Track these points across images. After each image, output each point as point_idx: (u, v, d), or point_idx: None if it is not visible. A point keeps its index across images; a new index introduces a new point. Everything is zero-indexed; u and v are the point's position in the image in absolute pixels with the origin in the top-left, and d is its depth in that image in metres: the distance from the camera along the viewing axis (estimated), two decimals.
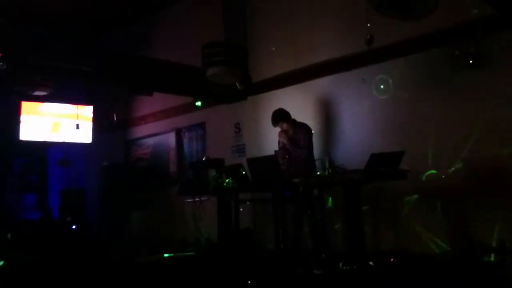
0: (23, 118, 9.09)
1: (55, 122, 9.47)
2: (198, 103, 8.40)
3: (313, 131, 6.43)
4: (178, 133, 9.19)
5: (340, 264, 5.13)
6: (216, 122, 8.55)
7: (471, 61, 5.57)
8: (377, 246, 6.17)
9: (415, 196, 6.04)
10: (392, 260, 5.39)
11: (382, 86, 6.42)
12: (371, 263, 5.10)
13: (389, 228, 6.26)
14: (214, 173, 6.70)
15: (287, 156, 6.18)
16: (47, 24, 8.99)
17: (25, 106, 9.16)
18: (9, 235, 7.69)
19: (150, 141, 9.76)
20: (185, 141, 9.11)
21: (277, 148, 6.49)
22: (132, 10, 9.60)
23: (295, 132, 6.31)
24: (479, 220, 5.53)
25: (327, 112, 7.03)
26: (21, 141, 9.15)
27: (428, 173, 5.94)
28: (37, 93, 9.00)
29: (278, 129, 6.40)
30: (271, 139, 6.96)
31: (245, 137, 8.12)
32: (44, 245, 7.62)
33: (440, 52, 5.87)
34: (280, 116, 6.36)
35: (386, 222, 6.28)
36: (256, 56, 7.78)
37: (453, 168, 5.77)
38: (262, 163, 5.97)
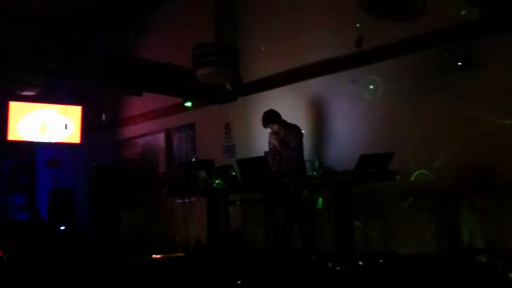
0: (11, 118, 9.02)
1: (44, 122, 9.41)
2: (188, 104, 8.36)
3: (303, 132, 6.43)
4: (168, 133, 9.16)
5: (330, 265, 5.13)
6: (206, 122, 8.53)
7: (459, 63, 5.62)
8: (367, 246, 6.19)
9: (405, 196, 6.05)
10: (381, 260, 5.39)
11: (372, 87, 6.44)
12: (360, 263, 5.11)
13: (379, 228, 6.27)
14: (204, 174, 6.68)
15: (277, 157, 6.17)
16: (39, 24, 8.95)
17: (13, 106, 9.09)
18: None
19: (140, 141, 9.71)
20: (175, 141, 9.08)
21: (267, 149, 6.48)
22: (123, 11, 9.56)
23: (286, 133, 6.30)
24: (468, 221, 5.57)
25: (318, 113, 7.04)
26: (10, 141, 9.08)
27: (417, 173, 5.95)
28: (25, 93, 8.96)
29: (268, 130, 6.39)
30: (261, 140, 6.95)
31: (235, 138, 8.10)
32: (32, 245, 7.56)
33: (430, 54, 5.91)
34: (271, 117, 6.35)
35: (375, 222, 6.30)
36: (247, 57, 7.76)
37: (443, 169, 5.79)
38: (252, 164, 5.97)
